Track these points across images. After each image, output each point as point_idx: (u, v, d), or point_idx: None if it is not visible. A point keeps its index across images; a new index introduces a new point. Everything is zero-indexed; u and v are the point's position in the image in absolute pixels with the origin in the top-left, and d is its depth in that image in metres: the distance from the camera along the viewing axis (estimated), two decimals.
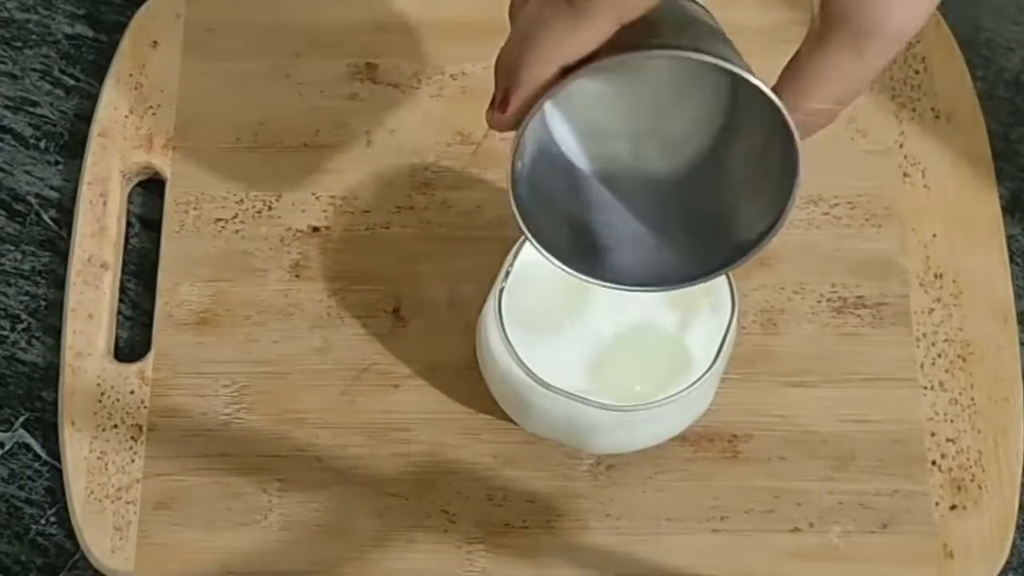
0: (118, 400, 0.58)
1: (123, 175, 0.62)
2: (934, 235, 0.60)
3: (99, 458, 0.57)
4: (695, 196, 0.42)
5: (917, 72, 0.62)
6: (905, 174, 0.61)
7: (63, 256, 0.61)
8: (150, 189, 0.62)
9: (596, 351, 0.51)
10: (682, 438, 0.56)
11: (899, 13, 0.35)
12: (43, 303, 0.61)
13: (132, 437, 0.57)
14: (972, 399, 0.58)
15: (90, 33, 0.65)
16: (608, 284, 0.41)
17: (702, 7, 0.40)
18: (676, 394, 0.49)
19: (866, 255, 0.60)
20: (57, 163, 0.63)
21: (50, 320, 0.60)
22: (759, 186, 0.40)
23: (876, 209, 0.60)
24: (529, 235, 0.39)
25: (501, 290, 0.50)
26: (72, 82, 0.64)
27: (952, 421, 0.57)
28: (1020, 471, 0.57)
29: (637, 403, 0.49)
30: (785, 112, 0.36)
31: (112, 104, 0.62)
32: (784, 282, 0.59)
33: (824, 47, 0.36)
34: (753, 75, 0.36)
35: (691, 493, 0.57)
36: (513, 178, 0.39)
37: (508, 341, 0.50)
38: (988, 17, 0.65)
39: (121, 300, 0.61)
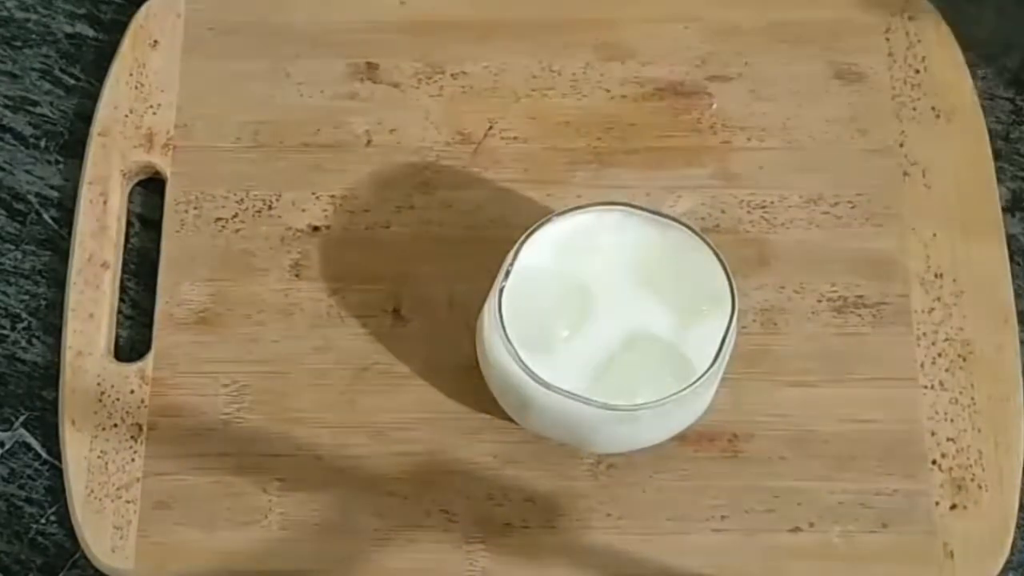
0: (118, 399, 0.58)
1: (123, 174, 0.62)
2: (934, 234, 0.60)
3: (99, 457, 0.57)
4: None
5: (917, 72, 0.62)
6: (905, 174, 0.61)
7: (63, 255, 0.61)
8: (150, 189, 0.63)
9: (597, 355, 0.51)
10: (682, 438, 0.56)
11: None
12: (43, 302, 0.61)
13: (132, 436, 0.57)
14: (972, 399, 0.58)
15: (90, 33, 0.65)
16: None
17: None
18: (676, 393, 0.49)
19: (866, 255, 0.60)
20: (57, 162, 0.63)
21: (50, 319, 0.60)
22: None
23: (876, 209, 0.60)
24: None
25: (501, 290, 0.50)
26: (72, 81, 0.64)
27: (952, 421, 0.57)
28: (1020, 471, 0.57)
29: (637, 402, 0.49)
30: None
31: (112, 104, 0.62)
32: (784, 282, 0.59)
33: None
34: None
35: (691, 493, 0.57)
36: None
37: (508, 340, 0.50)
38: (988, 17, 0.65)
39: (121, 300, 0.61)
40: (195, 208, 0.61)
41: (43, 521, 0.58)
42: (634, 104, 0.62)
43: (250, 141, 0.62)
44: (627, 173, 0.61)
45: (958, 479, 0.57)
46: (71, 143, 0.63)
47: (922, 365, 0.58)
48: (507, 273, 0.51)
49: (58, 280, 0.61)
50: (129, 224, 0.62)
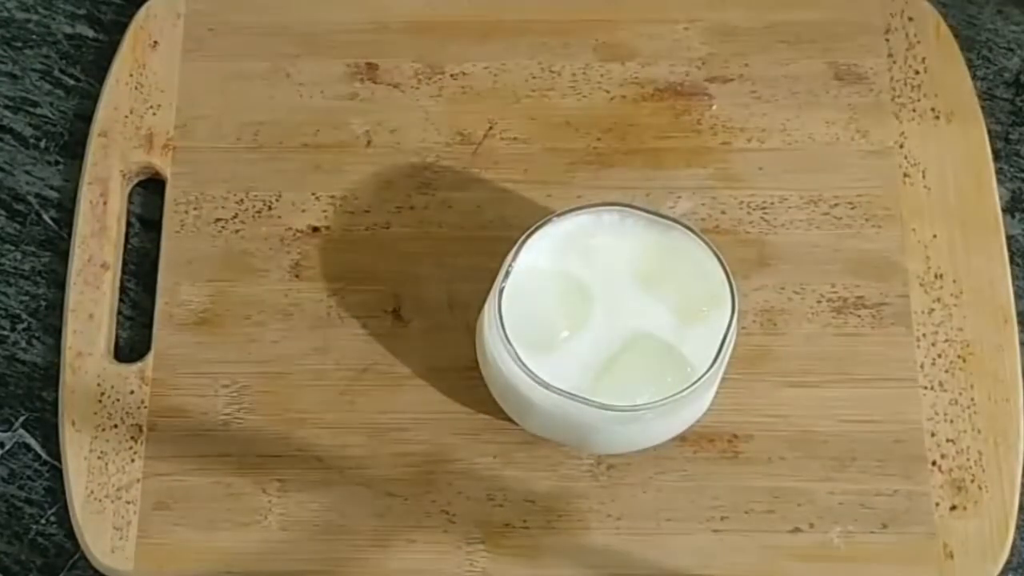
0: (118, 400, 0.58)
1: (123, 175, 0.62)
2: (934, 235, 0.60)
3: (99, 458, 0.57)
4: None
5: (917, 72, 0.62)
6: (905, 174, 0.61)
7: (63, 256, 0.61)
8: (150, 189, 0.63)
9: (597, 355, 0.51)
10: (682, 438, 0.56)
11: None
12: (43, 303, 0.61)
13: (132, 437, 0.57)
14: (972, 399, 0.58)
15: (90, 33, 0.65)
16: None
17: None
18: (676, 394, 0.49)
19: (866, 255, 0.60)
20: (57, 163, 0.63)
21: (50, 320, 0.60)
22: None
23: (876, 209, 0.60)
24: None
25: (501, 290, 0.50)
26: (72, 82, 0.64)
27: (952, 421, 0.57)
28: (1020, 471, 0.57)
29: (637, 403, 0.49)
30: None
31: (112, 104, 0.62)
32: (784, 282, 0.59)
33: None
34: None
35: (691, 493, 0.57)
36: None
37: (508, 341, 0.49)
38: (988, 17, 0.65)
39: (121, 300, 0.61)
40: (195, 209, 0.61)
41: (43, 522, 0.58)
42: (634, 104, 0.62)
43: (250, 142, 0.62)
44: (627, 173, 0.61)
45: (958, 480, 0.57)
46: (71, 144, 0.63)
47: (922, 366, 0.58)
48: (507, 273, 0.51)
49: (58, 281, 0.61)
50: (129, 225, 0.62)
